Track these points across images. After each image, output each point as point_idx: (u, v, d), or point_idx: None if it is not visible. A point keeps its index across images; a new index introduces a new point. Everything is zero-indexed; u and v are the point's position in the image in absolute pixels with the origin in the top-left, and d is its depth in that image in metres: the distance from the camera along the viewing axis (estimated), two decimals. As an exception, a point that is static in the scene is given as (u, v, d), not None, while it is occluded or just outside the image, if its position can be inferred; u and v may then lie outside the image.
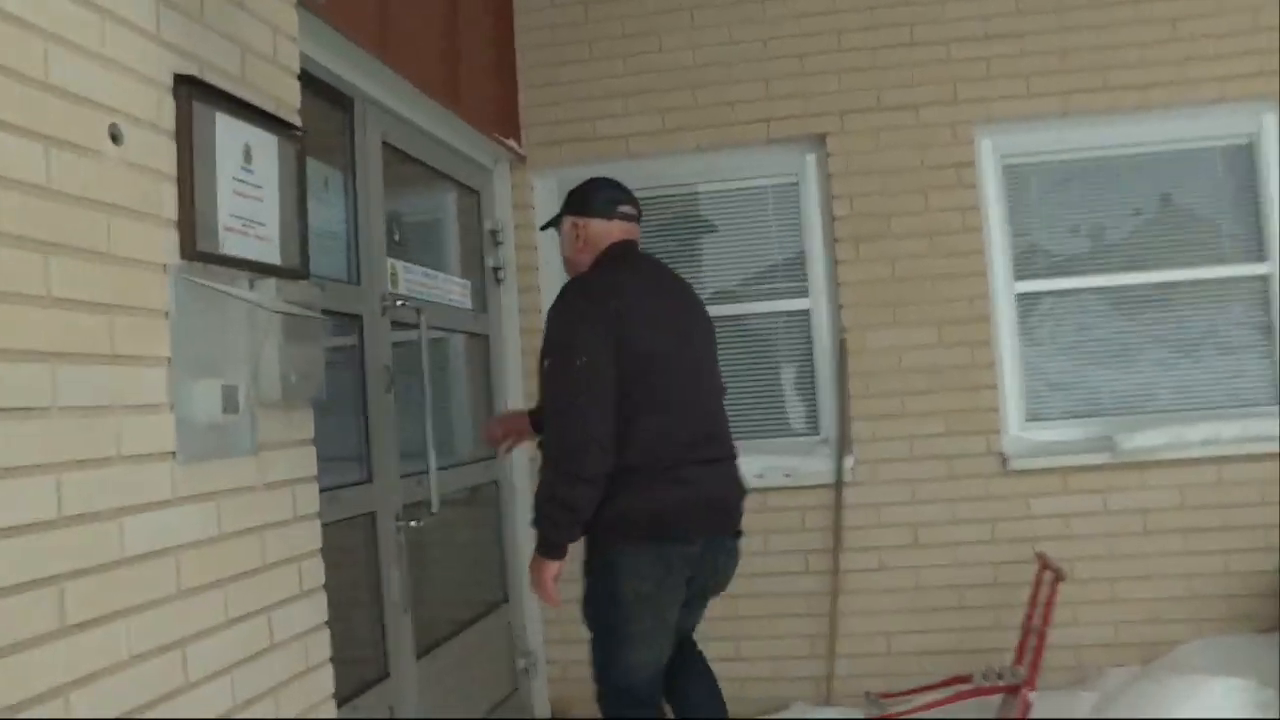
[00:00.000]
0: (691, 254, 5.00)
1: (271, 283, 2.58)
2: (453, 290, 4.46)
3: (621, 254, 3.29)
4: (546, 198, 5.06)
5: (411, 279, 4.05)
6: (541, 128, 4.94)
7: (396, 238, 3.98)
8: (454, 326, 4.51)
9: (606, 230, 3.30)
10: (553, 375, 3.04)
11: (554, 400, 3.04)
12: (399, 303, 3.75)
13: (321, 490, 2.75)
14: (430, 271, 4.23)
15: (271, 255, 2.67)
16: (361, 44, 3.45)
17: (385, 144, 3.90)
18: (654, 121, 4.82)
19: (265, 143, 2.66)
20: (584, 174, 4.87)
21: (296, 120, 2.83)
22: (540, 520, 3.05)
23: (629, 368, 3.00)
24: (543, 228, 3.57)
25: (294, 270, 2.74)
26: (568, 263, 3.39)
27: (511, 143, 4.86)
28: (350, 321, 3.59)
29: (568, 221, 3.36)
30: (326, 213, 3.54)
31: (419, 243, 4.39)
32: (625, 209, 3.35)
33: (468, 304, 4.61)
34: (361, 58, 3.53)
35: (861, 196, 4.64)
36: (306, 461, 2.69)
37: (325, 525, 2.75)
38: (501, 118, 4.83)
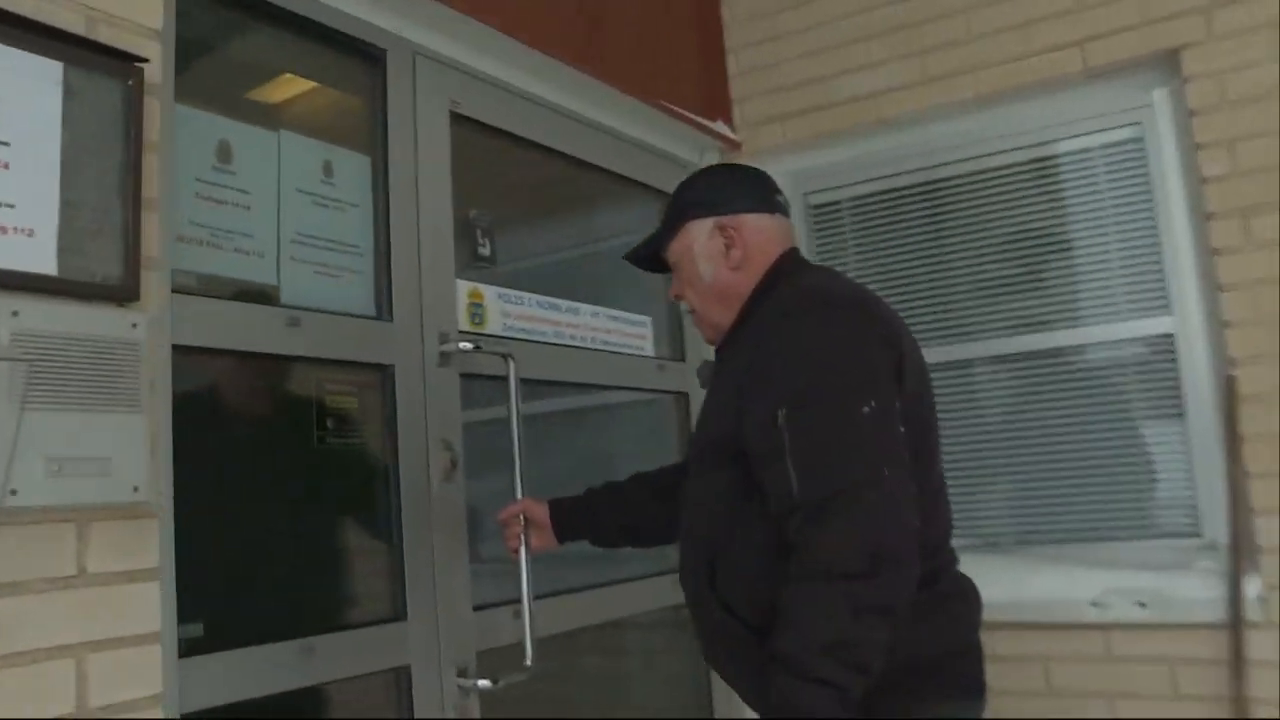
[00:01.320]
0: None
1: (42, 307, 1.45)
2: (618, 332, 3.16)
3: (802, 268, 2.01)
4: (772, 197, 3.65)
5: (519, 311, 2.80)
6: (760, 99, 3.55)
7: (484, 250, 2.75)
8: (624, 381, 3.21)
9: (770, 231, 1.99)
10: (805, 431, 1.66)
11: (815, 472, 1.63)
12: (466, 345, 2.50)
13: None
14: (562, 304, 2.97)
15: (33, 260, 1.52)
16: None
17: (461, 116, 2.71)
18: (911, 69, 3.27)
19: (36, 73, 1.54)
20: (823, 158, 3.51)
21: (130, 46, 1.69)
22: (819, 676, 1.54)
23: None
24: (630, 258, 2.18)
25: (93, 286, 1.59)
26: (710, 296, 2.00)
27: (720, 125, 3.51)
28: (374, 374, 2.40)
29: (701, 229, 1.99)
30: (331, 217, 2.39)
31: (585, 273, 3.16)
32: (783, 199, 2.07)
33: (648, 350, 3.29)
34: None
35: (1248, 141, 2.79)
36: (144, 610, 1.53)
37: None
38: (702, 90, 3.51)
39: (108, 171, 1.75)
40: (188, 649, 1.90)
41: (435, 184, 2.59)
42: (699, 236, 1.98)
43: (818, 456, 1.63)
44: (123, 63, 1.78)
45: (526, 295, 2.83)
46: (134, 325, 1.72)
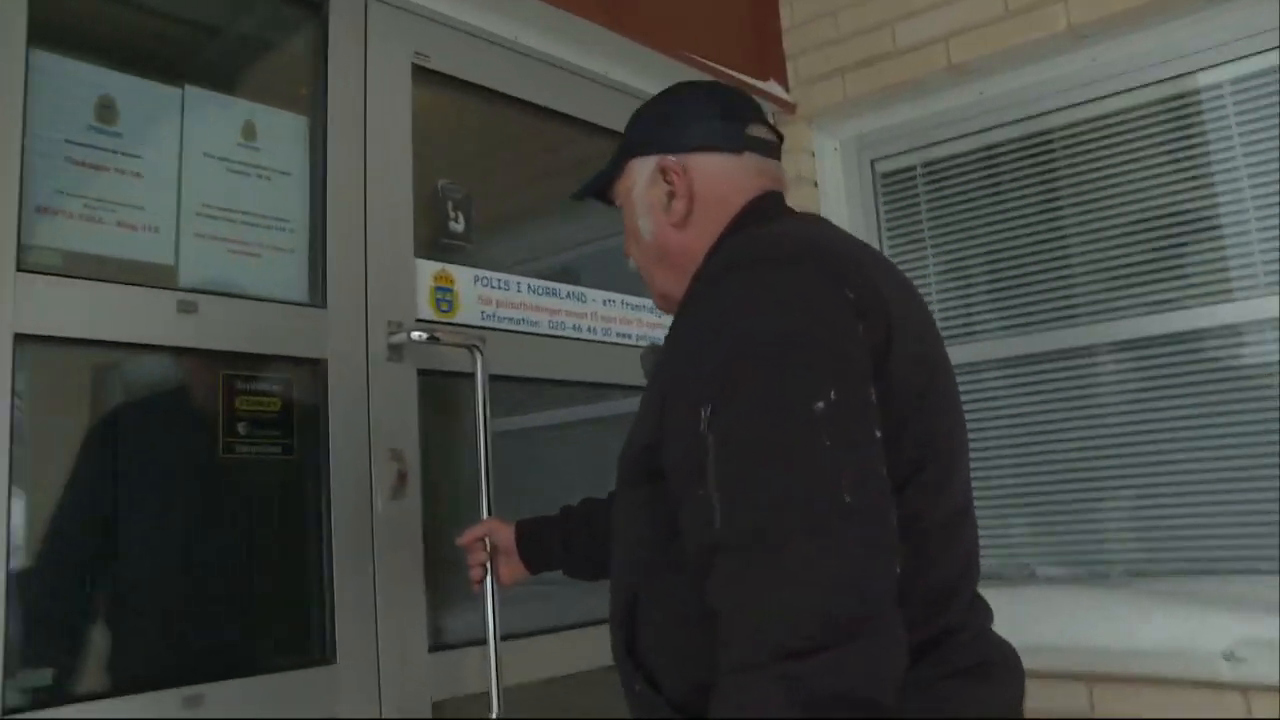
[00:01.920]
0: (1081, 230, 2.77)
1: None
2: (639, 322, 2.72)
3: (769, 217, 1.44)
4: (835, 165, 3.15)
5: (503, 297, 2.39)
6: (815, 54, 3.05)
7: (457, 226, 2.35)
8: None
9: (733, 175, 1.46)
10: (733, 439, 1.15)
11: (744, 498, 1.12)
12: (419, 335, 2.10)
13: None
14: (562, 289, 2.54)
15: None
16: None
17: (429, 70, 2.32)
18: (989, 3, 2.72)
19: None
20: (890, 118, 2.99)
21: None
22: None
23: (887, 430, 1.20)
24: (578, 195, 1.68)
25: None
26: (649, 256, 1.53)
27: (771, 85, 3.04)
28: (302, 370, 2.03)
29: (643, 169, 1.52)
30: (252, 186, 2.03)
31: (594, 256, 2.73)
32: (758, 131, 1.50)
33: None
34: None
35: None
36: None
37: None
38: (750, 46, 3.04)
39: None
40: (29, 701, 1.57)
41: (390, 149, 2.21)
42: (639, 179, 1.51)
43: (748, 475, 1.10)
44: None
45: (513, 278, 2.42)
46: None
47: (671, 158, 1.46)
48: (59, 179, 1.78)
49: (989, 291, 2.90)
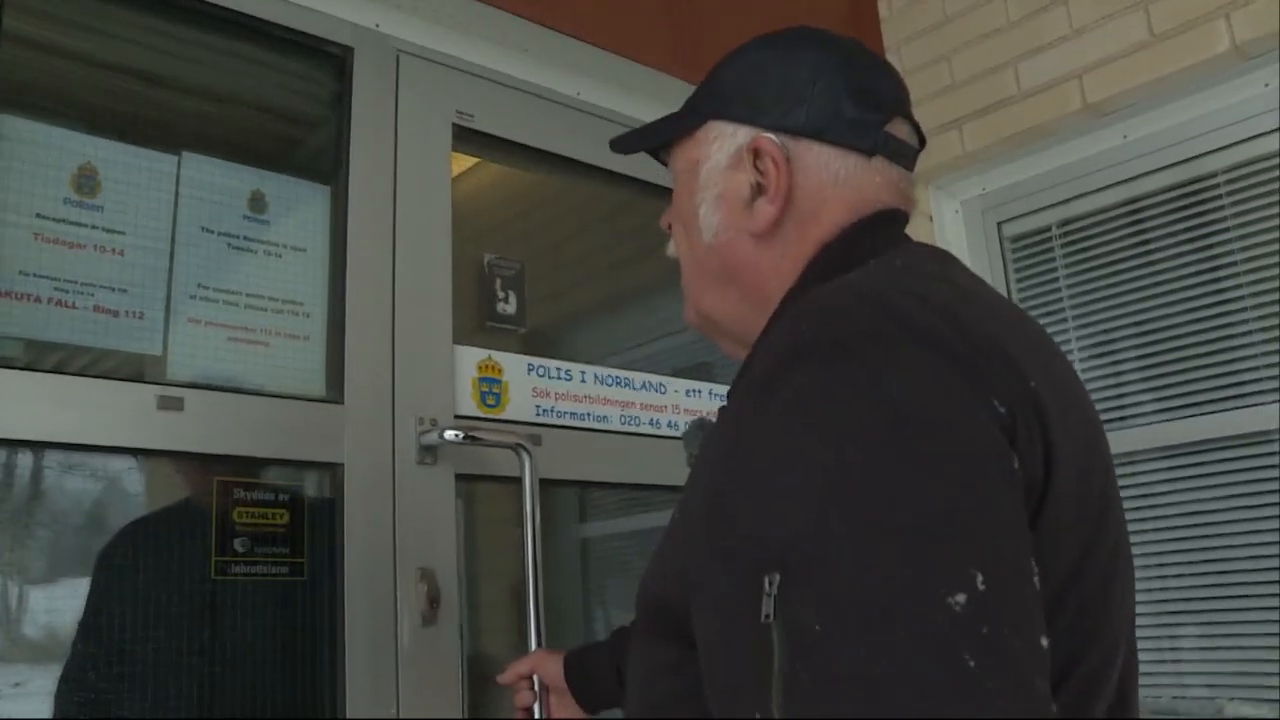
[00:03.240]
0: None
1: None
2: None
3: (887, 244, 1.01)
4: (957, 229, 2.76)
5: (561, 389, 2.06)
6: (929, 105, 2.68)
7: (506, 307, 2.04)
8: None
9: (852, 180, 1.03)
10: (822, 650, 0.67)
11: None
12: (453, 434, 1.77)
13: None
14: (636, 379, 2.20)
15: None
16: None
17: (471, 130, 2.04)
18: (1130, 29, 2.31)
19: None
20: (1018, 172, 2.61)
21: None
22: None
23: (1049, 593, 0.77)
24: (622, 146, 1.21)
25: None
26: (696, 265, 1.11)
27: (880, 144, 2.68)
28: (314, 476, 1.73)
29: (725, 139, 1.07)
30: (260, 265, 1.77)
31: (673, 340, 2.40)
32: (900, 129, 1.06)
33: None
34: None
35: None
36: None
37: None
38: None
39: None
40: None
41: (426, 220, 1.93)
42: (717, 152, 1.07)
43: (847, 705, 0.66)
44: None
45: (576, 366, 2.09)
46: None
47: (773, 137, 1.02)
48: (25, 259, 1.54)
49: (1142, 369, 2.44)
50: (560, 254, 2.28)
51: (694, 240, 1.09)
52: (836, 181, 1.01)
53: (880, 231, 1.01)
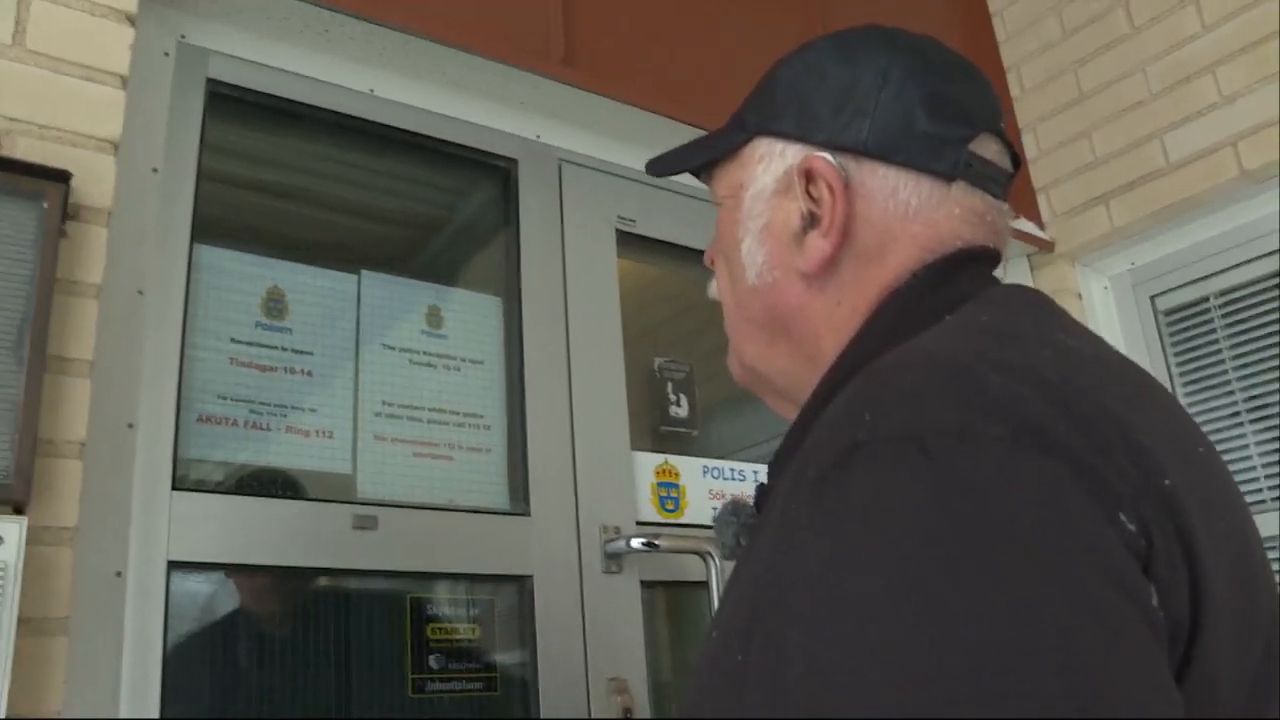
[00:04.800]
0: None
1: None
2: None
3: (969, 292, 0.79)
4: (1108, 306, 2.69)
5: (739, 490, 2.02)
6: (1072, 182, 2.64)
7: (680, 411, 2.02)
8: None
9: (925, 211, 0.82)
10: None
11: None
12: (637, 543, 1.74)
13: None
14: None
15: None
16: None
17: (633, 235, 2.05)
18: (1287, 93, 2.27)
19: None
20: (1170, 244, 2.55)
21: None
22: None
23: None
24: (658, 169, 1.00)
25: None
26: (753, 308, 0.89)
27: (1023, 223, 2.64)
28: (505, 588, 1.70)
29: (772, 160, 0.87)
30: (441, 379, 1.77)
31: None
32: (987, 147, 0.84)
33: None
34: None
35: None
36: None
37: None
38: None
39: (3, 323, 1.22)
40: None
41: (598, 327, 1.92)
42: (763, 174, 0.88)
43: None
44: (32, 179, 1.27)
45: (748, 467, 2.05)
46: (-2, 541, 1.12)
47: (828, 157, 0.83)
48: (221, 383, 1.55)
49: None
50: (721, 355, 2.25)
51: (736, 279, 0.91)
52: (906, 213, 0.82)
53: (961, 277, 0.81)
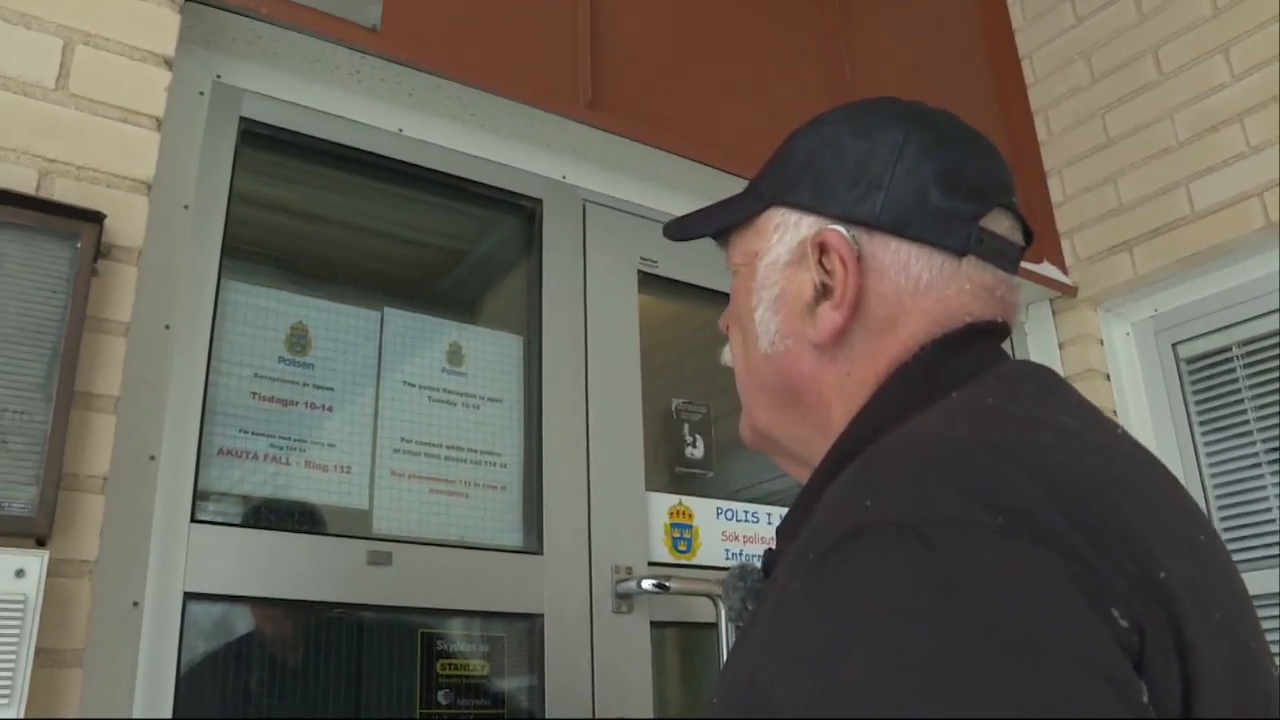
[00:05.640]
0: None
1: None
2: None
3: (974, 370, 0.80)
4: (1130, 353, 2.68)
5: (750, 533, 2.03)
6: (1096, 228, 2.64)
7: (695, 453, 2.03)
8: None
9: (936, 286, 0.84)
10: None
11: None
12: (649, 584, 1.76)
13: None
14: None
15: None
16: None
17: (655, 277, 2.07)
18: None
19: None
20: (1194, 292, 2.55)
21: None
22: None
23: None
24: (674, 233, 1.03)
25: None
26: (766, 375, 0.91)
27: (1046, 267, 2.64)
28: (516, 626, 1.72)
29: (786, 231, 0.89)
30: (459, 417, 1.80)
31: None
32: (999, 223, 0.86)
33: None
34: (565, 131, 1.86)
35: None
36: None
37: None
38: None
39: (34, 360, 1.25)
40: None
41: (617, 367, 1.94)
42: (777, 244, 0.89)
43: None
44: (67, 220, 1.30)
45: (761, 509, 2.06)
46: (18, 573, 1.15)
47: (842, 230, 0.84)
48: (244, 417, 1.58)
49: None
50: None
51: (750, 346, 0.92)
52: (918, 287, 0.83)
53: (968, 352, 0.82)
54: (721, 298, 2.14)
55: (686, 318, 2.19)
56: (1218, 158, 2.41)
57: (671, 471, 1.99)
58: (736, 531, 2.00)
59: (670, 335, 2.13)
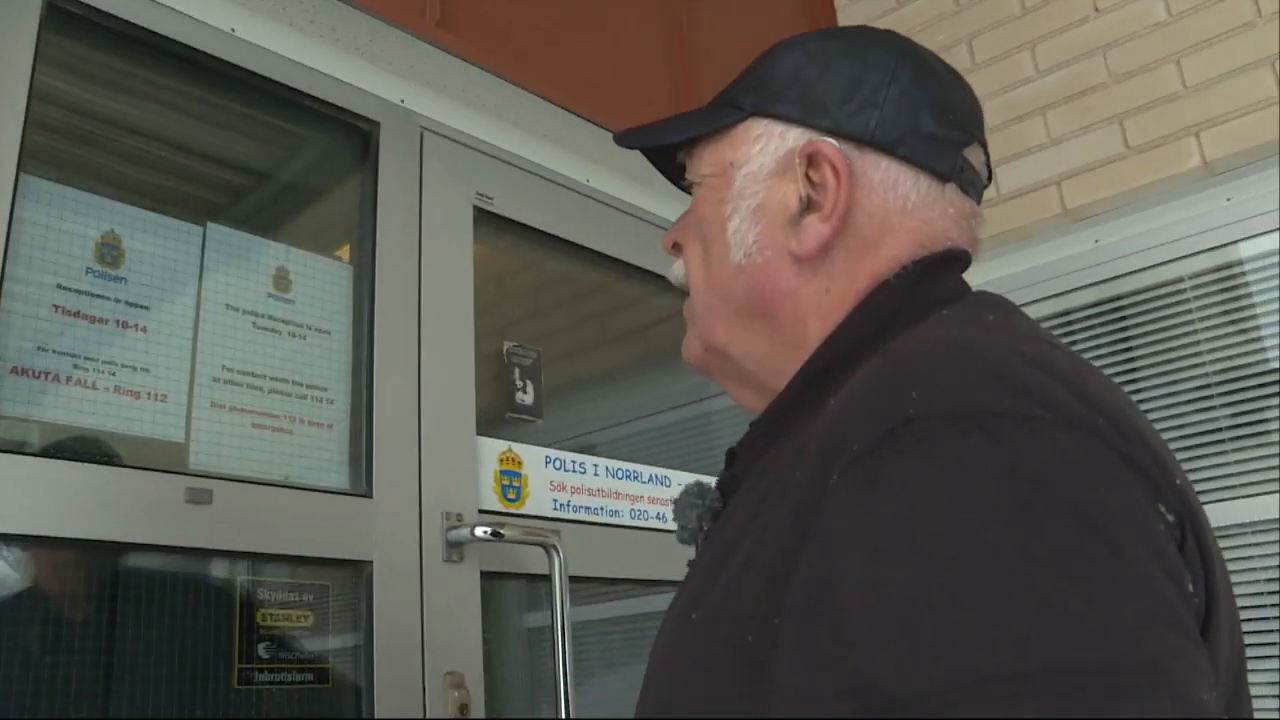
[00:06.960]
0: None
1: None
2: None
3: (956, 294, 0.81)
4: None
5: (578, 482, 1.98)
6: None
7: (525, 398, 1.96)
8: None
9: (922, 209, 0.82)
10: None
11: None
12: (483, 531, 1.68)
13: None
14: (645, 472, 2.13)
15: None
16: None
17: (491, 214, 1.98)
18: (1105, 142, 2.42)
19: None
20: (996, 271, 2.67)
21: None
22: None
23: None
24: (627, 140, 0.95)
25: None
26: (736, 289, 0.86)
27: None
28: (342, 574, 1.60)
29: (772, 142, 0.85)
30: (285, 346, 1.65)
31: (690, 431, 2.34)
32: (976, 156, 0.87)
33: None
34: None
35: None
36: None
37: None
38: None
39: None
40: None
41: (450, 304, 1.84)
42: (757, 154, 0.86)
43: None
44: None
45: (589, 460, 2.01)
46: None
47: (834, 144, 0.82)
48: (44, 333, 1.39)
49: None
50: (569, 341, 2.21)
51: (716, 259, 0.87)
52: (904, 207, 0.82)
53: (947, 276, 0.83)
54: (556, 241, 2.09)
55: (519, 257, 2.11)
56: (1023, 146, 2.54)
57: (501, 417, 1.91)
58: (565, 481, 1.95)
59: (502, 275, 2.04)
